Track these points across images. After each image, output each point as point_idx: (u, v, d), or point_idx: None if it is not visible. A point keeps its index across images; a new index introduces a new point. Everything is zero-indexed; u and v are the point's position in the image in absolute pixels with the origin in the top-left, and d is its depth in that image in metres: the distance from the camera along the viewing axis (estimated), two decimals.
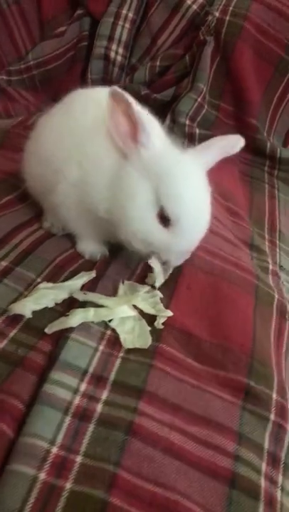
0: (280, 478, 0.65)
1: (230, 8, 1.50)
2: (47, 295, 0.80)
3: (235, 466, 0.64)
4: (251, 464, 0.66)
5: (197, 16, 1.58)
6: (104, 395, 0.68)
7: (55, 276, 0.86)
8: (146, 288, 0.85)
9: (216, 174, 1.24)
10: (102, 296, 0.81)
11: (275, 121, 1.56)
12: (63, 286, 0.83)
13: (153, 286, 0.86)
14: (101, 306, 0.79)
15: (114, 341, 0.76)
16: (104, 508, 0.55)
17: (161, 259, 0.82)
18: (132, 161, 0.80)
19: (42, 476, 0.56)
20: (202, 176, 0.83)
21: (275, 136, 1.57)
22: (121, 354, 0.74)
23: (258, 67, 1.48)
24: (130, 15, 1.62)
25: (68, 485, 0.57)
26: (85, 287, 0.83)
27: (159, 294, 0.85)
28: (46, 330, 0.75)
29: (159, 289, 0.85)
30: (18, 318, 0.76)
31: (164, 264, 0.83)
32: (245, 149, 0.90)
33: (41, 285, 0.82)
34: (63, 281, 0.84)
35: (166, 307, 0.83)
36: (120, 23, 1.62)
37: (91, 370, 0.71)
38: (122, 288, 0.85)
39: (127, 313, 0.79)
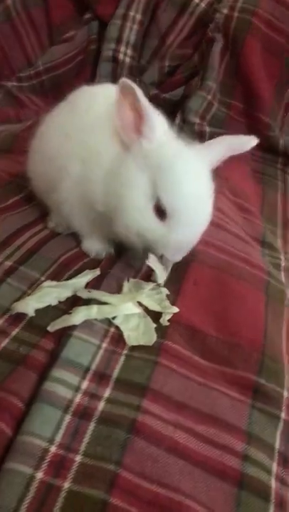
0: None
1: (239, 5, 1.48)
2: (50, 293, 0.79)
3: (244, 467, 0.62)
4: (261, 464, 0.63)
5: (205, 14, 1.56)
6: (107, 393, 0.66)
7: (59, 274, 0.85)
8: (152, 285, 0.83)
9: (227, 171, 1.24)
10: (105, 293, 0.79)
11: (287, 117, 1.53)
12: (67, 284, 0.81)
13: (158, 284, 0.83)
14: (105, 303, 0.78)
15: (118, 339, 0.74)
16: (103, 509, 0.53)
17: (157, 254, 0.79)
18: (133, 152, 0.78)
19: (39, 475, 0.55)
20: (203, 171, 0.80)
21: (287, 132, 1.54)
22: (125, 351, 0.73)
23: (268, 62, 1.46)
24: (138, 16, 1.62)
25: (67, 484, 0.55)
26: (89, 285, 0.82)
27: (165, 291, 0.83)
28: (49, 328, 0.73)
29: (165, 285, 0.83)
30: (21, 316, 0.75)
31: (161, 259, 0.80)
32: (257, 146, 0.87)
33: (45, 283, 0.81)
34: (67, 279, 0.83)
35: (173, 303, 0.81)
36: (128, 24, 1.62)
37: (93, 367, 0.69)
38: (126, 285, 0.83)
39: (131, 311, 0.77)
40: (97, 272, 0.84)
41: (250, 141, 0.85)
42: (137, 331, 0.76)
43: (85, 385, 0.66)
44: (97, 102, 0.89)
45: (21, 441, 0.57)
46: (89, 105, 0.90)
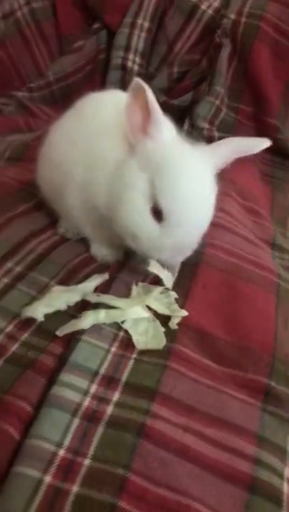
0: None
1: (246, 10, 1.48)
2: (59, 298, 0.79)
3: (255, 470, 0.61)
4: (273, 468, 0.62)
5: (213, 21, 1.56)
6: (116, 397, 0.66)
7: (68, 279, 0.85)
8: (160, 289, 0.83)
9: (236, 174, 1.23)
10: (114, 297, 0.79)
11: None
12: (76, 288, 0.81)
13: (167, 288, 0.83)
14: (113, 307, 0.78)
15: (127, 343, 0.74)
16: None
17: (153, 258, 0.78)
18: (136, 152, 0.77)
19: (47, 478, 0.55)
20: (205, 173, 0.79)
21: None
22: (134, 355, 0.72)
23: (276, 66, 1.45)
24: (146, 24, 1.63)
25: (75, 488, 0.55)
26: (98, 290, 0.82)
27: (174, 295, 0.82)
28: (57, 332, 0.74)
29: (174, 289, 0.83)
30: (30, 321, 0.76)
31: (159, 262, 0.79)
32: (266, 149, 0.86)
33: (54, 288, 0.81)
34: (76, 284, 0.83)
35: (182, 307, 0.80)
36: (136, 32, 1.63)
37: (102, 371, 0.69)
38: (135, 289, 0.83)
39: (140, 314, 0.77)
40: (106, 276, 0.85)
41: (259, 144, 0.85)
42: (146, 335, 0.75)
43: (93, 388, 0.66)
44: (103, 109, 0.90)
45: (30, 444, 0.57)
46: (95, 112, 0.90)
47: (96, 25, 1.71)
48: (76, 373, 0.67)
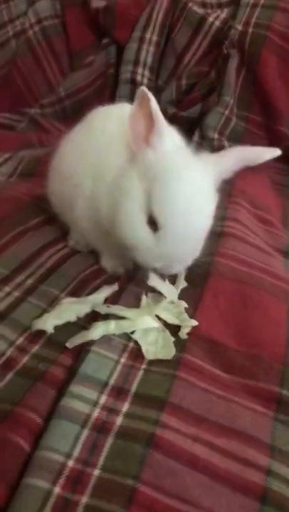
0: None
1: (253, 20, 1.49)
2: (69, 309, 0.80)
3: (266, 481, 0.60)
4: (285, 479, 0.61)
5: (220, 32, 1.58)
6: (125, 407, 0.66)
7: (78, 291, 0.86)
8: (170, 299, 0.83)
9: (247, 183, 1.23)
10: (123, 308, 0.80)
11: None
12: (86, 300, 0.82)
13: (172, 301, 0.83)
14: (123, 318, 0.78)
15: (137, 353, 0.74)
16: None
17: (149, 268, 0.78)
18: (137, 162, 0.78)
19: (56, 489, 0.55)
20: (202, 183, 0.78)
21: None
22: (143, 366, 0.72)
23: (284, 74, 1.46)
24: (154, 38, 1.65)
25: (84, 499, 0.55)
26: (107, 301, 0.83)
27: (184, 304, 0.82)
28: (67, 344, 0.74)
29: (184, 298, 0.83)
30: (40, 333, 0.76)
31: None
32: (277, 158, 0.86)
33: (64, 300, 0.82)
34: (86, 295, 0.84)
35: (191, 317, 0.80)
36: (145, 47, 1.65)
37: (112, 382, 0.69)
38: (144, 300, 0.83)
39: (149, 325, 0.77)
40: (116, 287, 0.85)
41: (265, 153, 0.85)
42: (156, 345, 0.75)
43: (103, 399, 0.66)
44: (111, 121, 0.91)
45: (39, 456, 0.58)
46: (104, 125, 0.91)
47: (105, 41, 1.74)
48: (86, 384, 0.67)
